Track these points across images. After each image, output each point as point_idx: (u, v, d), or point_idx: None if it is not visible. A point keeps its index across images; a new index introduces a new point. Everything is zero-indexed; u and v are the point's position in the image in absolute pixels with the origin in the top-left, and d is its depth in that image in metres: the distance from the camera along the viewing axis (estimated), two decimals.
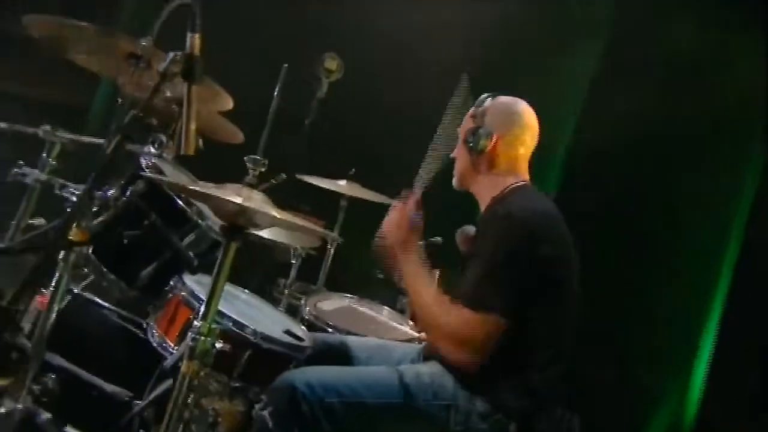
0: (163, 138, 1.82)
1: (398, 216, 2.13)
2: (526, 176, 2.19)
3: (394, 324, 2.73)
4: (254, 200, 1.71)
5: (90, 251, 2.14)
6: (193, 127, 1.53)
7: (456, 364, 1.93)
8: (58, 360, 2.26)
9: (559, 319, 2.01)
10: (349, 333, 2.46)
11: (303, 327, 2.30)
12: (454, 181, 2.27)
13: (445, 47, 3.86)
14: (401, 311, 3.12)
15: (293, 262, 3.11)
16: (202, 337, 1.70)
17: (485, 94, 2.23)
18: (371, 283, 3.29)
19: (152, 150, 1.82)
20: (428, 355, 2.14)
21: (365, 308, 2.85)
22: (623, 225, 3.81)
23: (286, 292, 3.07)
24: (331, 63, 3.18)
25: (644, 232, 3.81)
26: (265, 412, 1.85)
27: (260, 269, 3.31)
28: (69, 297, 2.36)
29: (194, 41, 1.47)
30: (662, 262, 3.76)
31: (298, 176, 3.06)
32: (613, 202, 3.84)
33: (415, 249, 2.09)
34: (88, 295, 2.37)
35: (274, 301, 2.95)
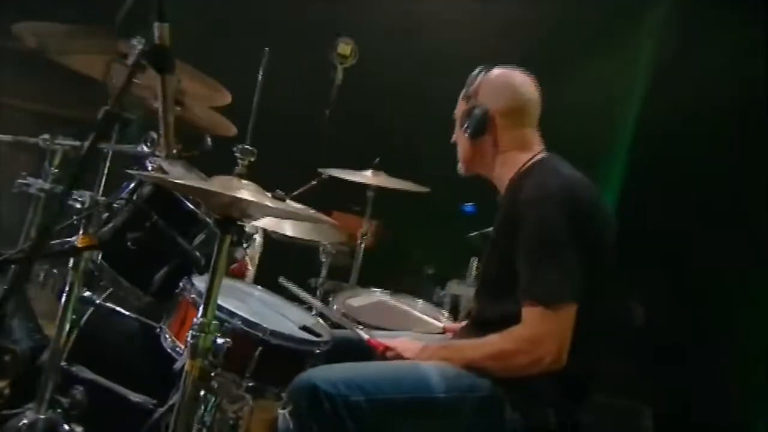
0: (155, 136, 1.90)
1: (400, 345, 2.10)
2: (540, 147, 2.16)
3: (427, 317, 2.74)
4: (246, 191, 1.77)
5: (102, 259, 2.27)
6: (171, 120, 1.60)
7: (545, 371, 1.86)
8: (84, 372, 2.40)
9: (594, 295, 1.95)
10: (377, 329, 2.49)
11: (322, 322, 2.34)
12: (459, 168, 2.25)
13: (464, 32, 3.87)
14: (438, 304, 3.13)
15: (323, 260, 3.17)
16: (203, 334, 1.76)
17: (476, 70, 2.20)
18: (407, 276, 3.32)
19: (145, 149, 1.90)
20: None
21: (398, 303, 2.88)
22: (709, 217, 3.74)
23: (318, 291, 3.13)
24: (345, 48, 3.18)
25: (731, 227, 3.74)
26: (285, 412, 1.89)
27: None
28: (92, 308, 2.50)
29: (163, 31, 1.54)
30: (755, 255, 3.70)
31: (320, 170, 3.12)
32: (699, 190, 3.78)
33: (426, 349, 2.05)
34: (110, 305, 2.49)
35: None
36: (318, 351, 2.12)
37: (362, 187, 3.24)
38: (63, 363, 2.37)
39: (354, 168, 3.18)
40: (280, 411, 1.90)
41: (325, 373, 1.89)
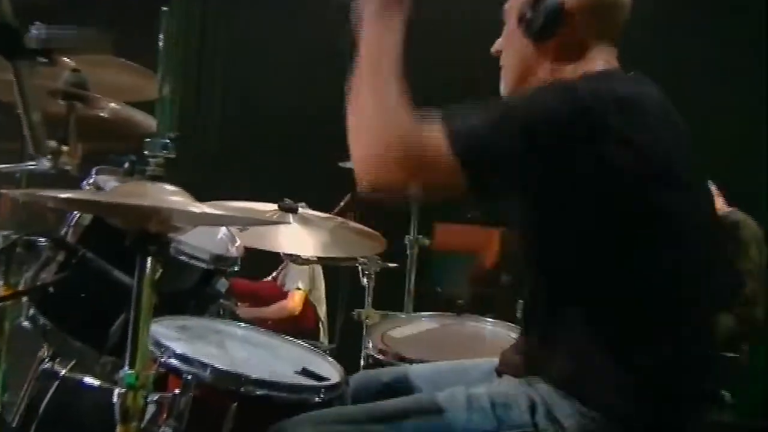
0: (54, 144, 1.90)
1: None
2: (611, 64, 1.96)
3: (496, 342, 2.62)
4: (165, 197, 1.73)
5: (41, 315, 2.31)
6: (35, 118, 1.59)
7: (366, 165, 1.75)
8: None
9: (678, 264, 1.79)
10: (422, 361, 2.42)
11: (331, 361, 2.28)
12: (504, 87, 2.07)
13: None
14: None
15: (365, 284, 3.11)
16: (131, 392, 1.73)
17: None
18: (482, 293, 3.20)
19: (45, 163, 1.91)
20: (503, 368, 2.05)
21: (460, 327, 2.79)
22: None
23: (364, 325, 3.08)
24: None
25: None
26: None
27: None
28: (57, 382, 2.55)
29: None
30: None
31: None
32: None
33: None
34: (76, 376, 2.52)
35: None
36: (319, 399, 2.05)
37: None
38: None
39: None
40: None
41: (296, 427, 1.83)
